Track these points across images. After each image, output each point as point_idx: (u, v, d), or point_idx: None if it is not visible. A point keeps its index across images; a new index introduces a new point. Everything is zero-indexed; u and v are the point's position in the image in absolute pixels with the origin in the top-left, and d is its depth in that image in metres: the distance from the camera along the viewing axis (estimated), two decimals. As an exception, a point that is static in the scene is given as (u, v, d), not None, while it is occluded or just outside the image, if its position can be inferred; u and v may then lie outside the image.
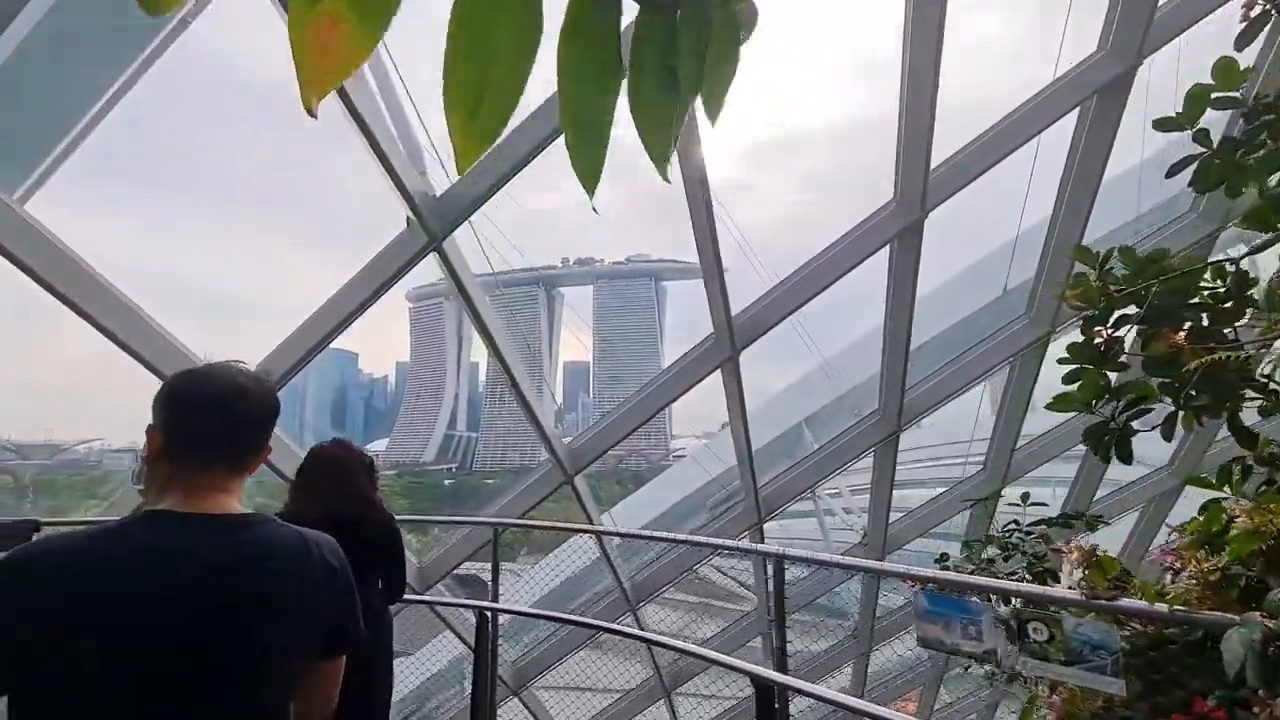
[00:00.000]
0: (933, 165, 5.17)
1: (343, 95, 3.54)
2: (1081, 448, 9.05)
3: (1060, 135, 5.76)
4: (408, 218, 4.20)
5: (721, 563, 12.88)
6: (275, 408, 1.25)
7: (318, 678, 1.28)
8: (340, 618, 1.27)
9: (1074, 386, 2.65)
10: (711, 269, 5.22)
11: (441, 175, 4.38)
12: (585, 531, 6.37)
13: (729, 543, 5.41)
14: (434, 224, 4.12)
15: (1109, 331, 2.63)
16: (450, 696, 9.30)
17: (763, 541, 8.04)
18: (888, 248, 5.81)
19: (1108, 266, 2.72)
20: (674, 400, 5.91)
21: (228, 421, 1.17)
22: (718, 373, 5.98)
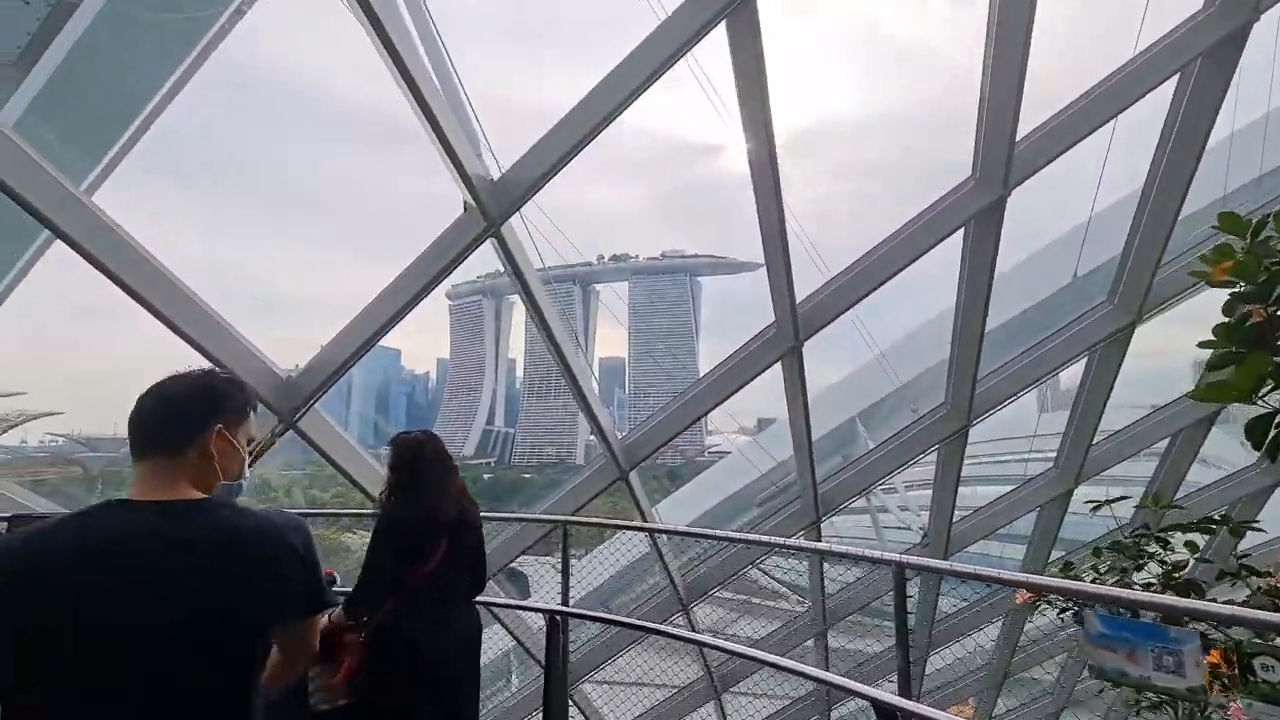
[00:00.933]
0: (1018, 139, 4.79)
1: (402, 71, 3.40)
2: (1161, 444, 8.48)
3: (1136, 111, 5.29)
4: (465, 202, 4.05)
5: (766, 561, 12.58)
6: (207, 395, 1.35)
7: (289, 638, 1.39)
8: (295, 596, 1.32)
9: (1223, 373, 2.32)
10: (776, 256, 4.95)
11: (492, 163, 4.24)
12: (652, 530, 6.18)
13: (838, 548, 4.20)
14: (492, 209, 3.96)
15: (1267, 309, 2.29)
16: (497, 690, 9.25)
17: (820, 540, 7.74)
18: (961, 230, 5.46)
19: (1262, 236, 2.38)
20: (733, 393, 5.67)
21: (152, 411, 1.30)
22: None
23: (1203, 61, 4.88)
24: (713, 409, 5.71)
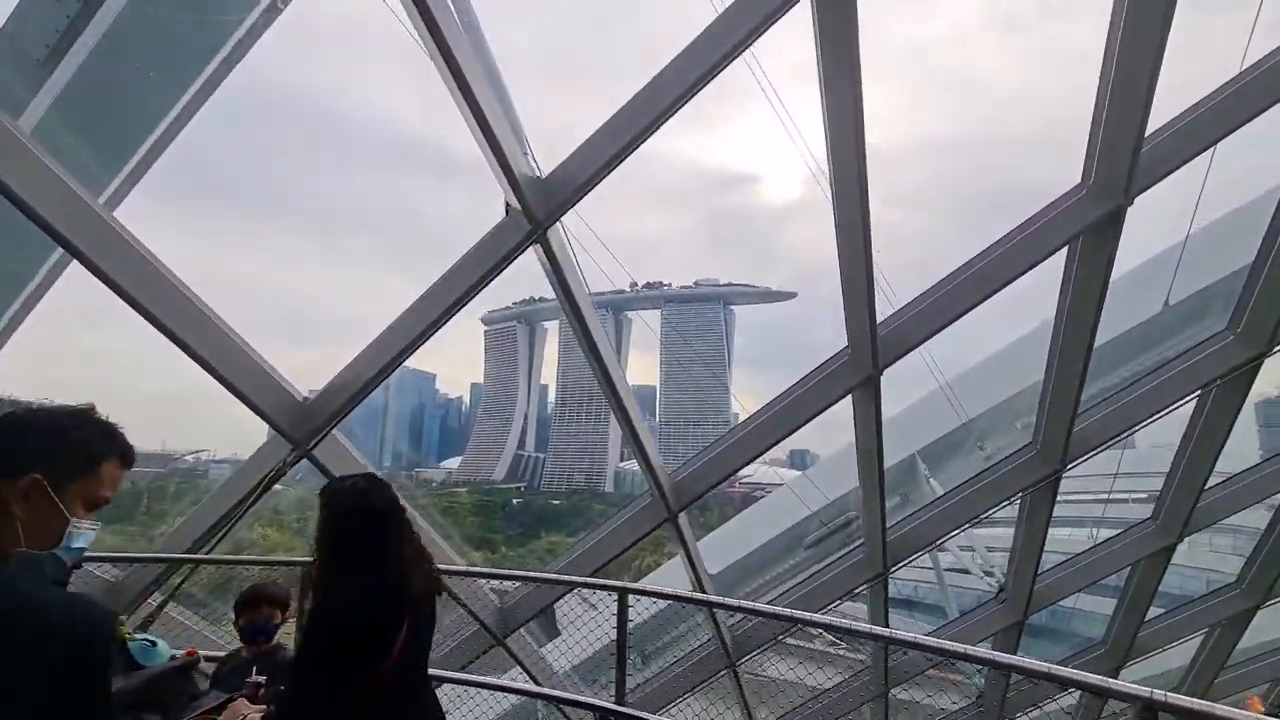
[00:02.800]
0: (1145, 139, 4.11)
1: (449, 61, 2.95)
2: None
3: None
4: (507, 203, 3.56)
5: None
6: (18, 436, 1.16)
7: None
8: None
9: None
10: (857, 274, 4.32)
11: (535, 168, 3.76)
12: (713, 605, 5.39)
13: (926, 641, 2.89)
14: (538, 210, 3.45)
15: None
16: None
17: (886, 594, 6.92)
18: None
19: None
20: (800, 427, 5.00)
21: None
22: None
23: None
24: (776, 444, 5.04)
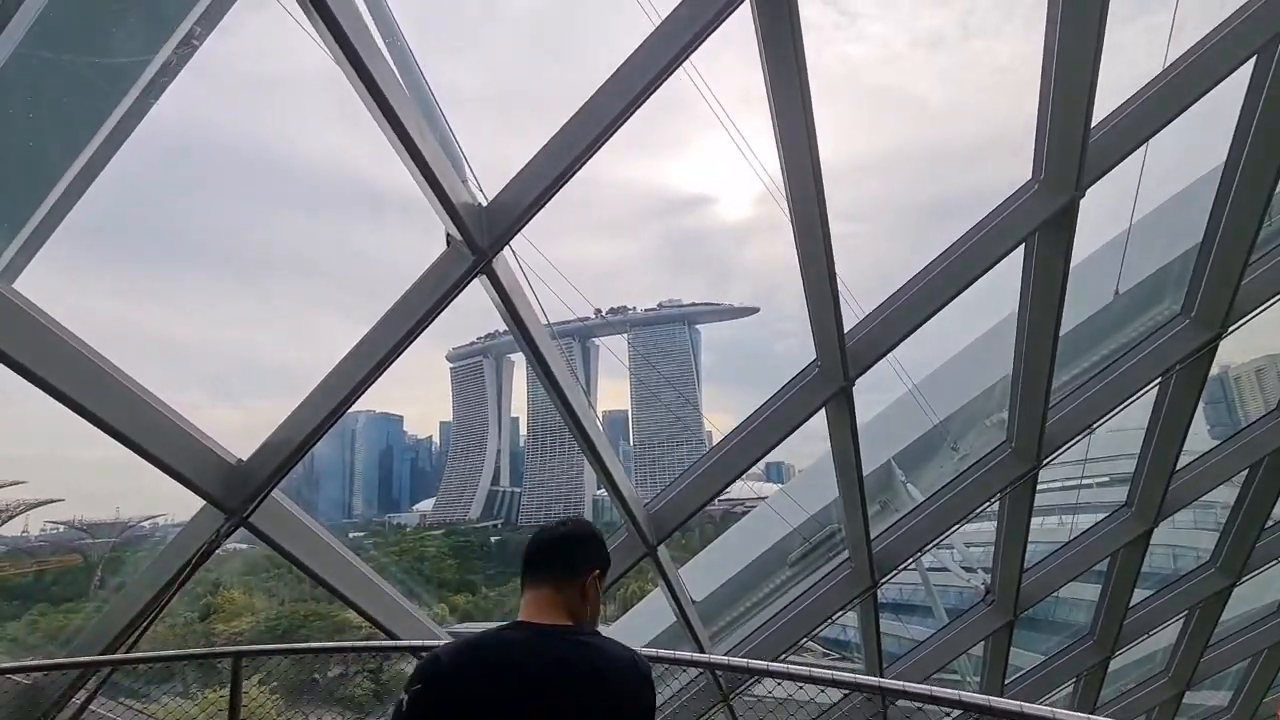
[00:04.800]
0: (1092, 129, 4.12)
1: (375, 93, 2.74)
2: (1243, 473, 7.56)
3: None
4: (448, 235, 3.33)
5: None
6: (595, 542, 1.68)
7: None
8: None
9: None
10: (821, 286, 4.20)
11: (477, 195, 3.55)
12: (715, 666, 4.92)
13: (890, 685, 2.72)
14: (481, 239, 3.23)
15: None
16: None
17: (876, 607, 6.73)
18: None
19: None
20: (773, 447, 4.83)
21: (549, 547, 1.64)
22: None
23: (1286, 35, 4.28)
24: (752, 466, 4.86)
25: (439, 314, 3.28)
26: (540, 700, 1.38)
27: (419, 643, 3.93)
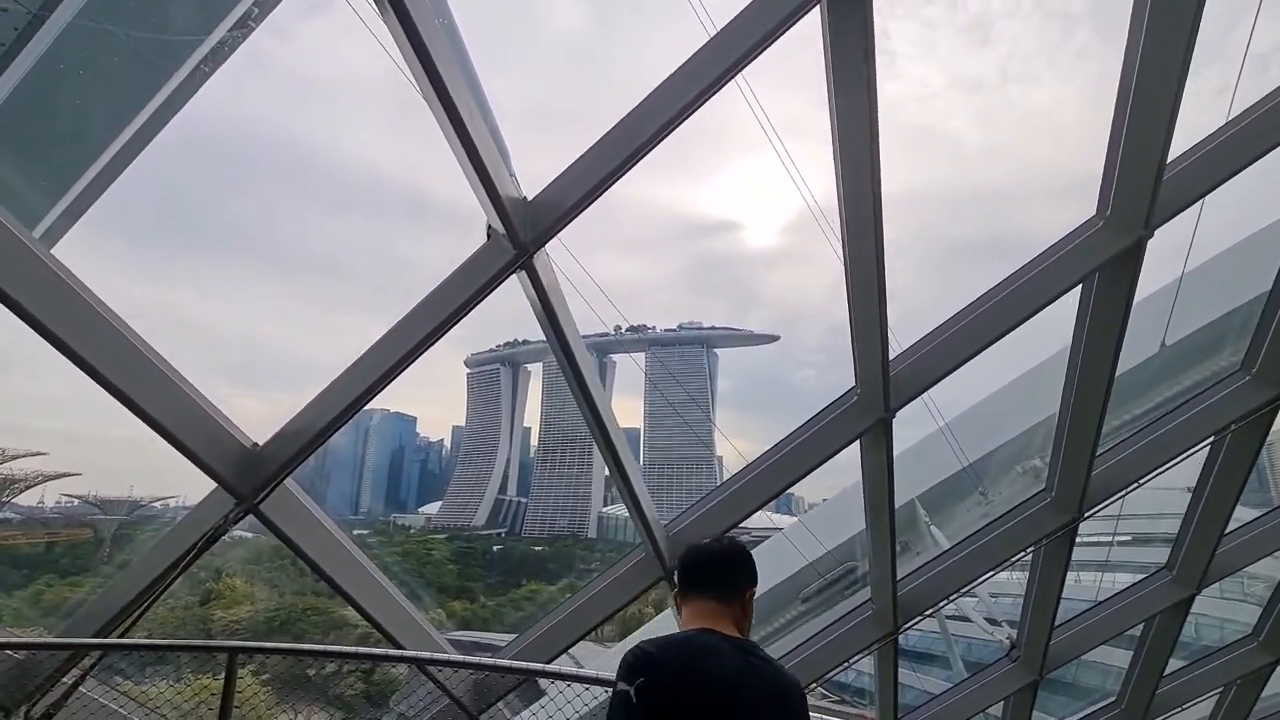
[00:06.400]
0: (1166, 168, 3.91)
1: (426, 63, 2.65)
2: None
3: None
4: (489, 227, 3.21)
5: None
6: (749, 560, 1.81)
7: None
8: None
9: None
10: (869, 307, 4.02)
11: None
12: None
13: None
14: (524, 234, 3.11)
15: None
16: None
17: (896, 654, 6.41)
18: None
19: None
20: (805, 474, 4.61)
21: (718, 561, 1.80)
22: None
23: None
24: (782, 492, 4.64)
25: (473, 307, 3.15)
26: (763, 711, 1.51)
27: (423, 655, 3.76)
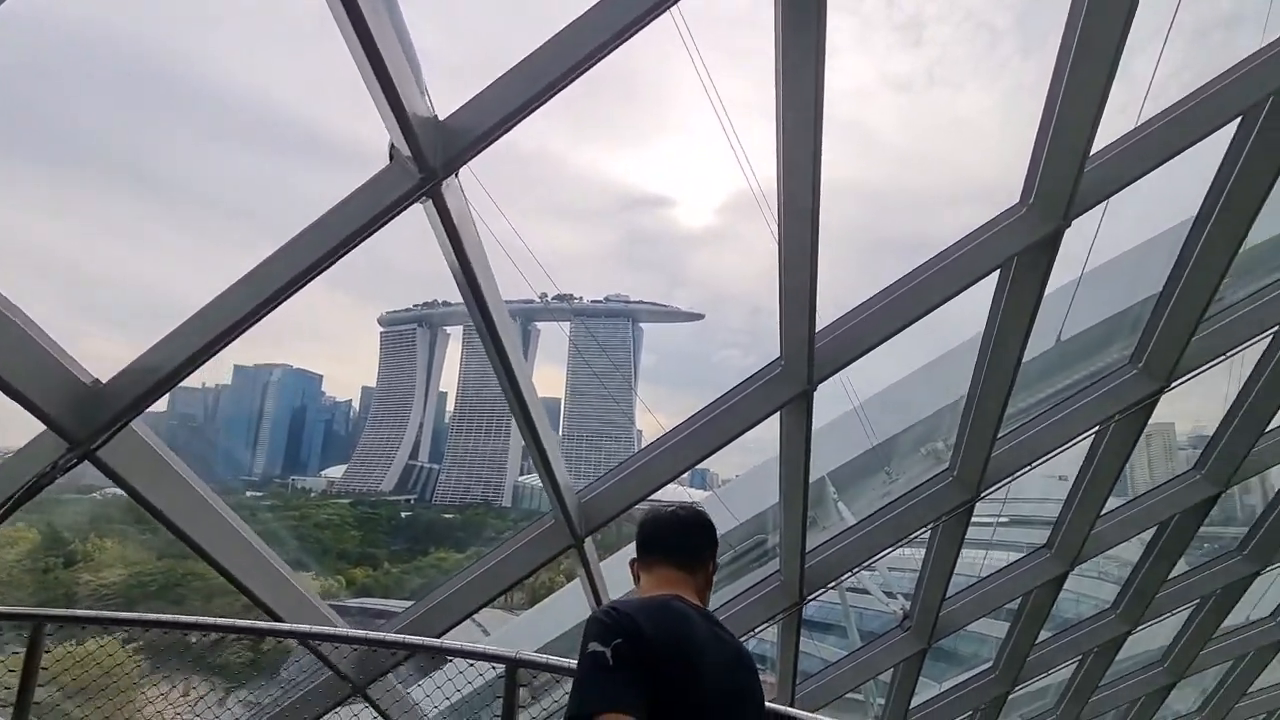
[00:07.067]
0: (1089, 158, 3.98)
1: None
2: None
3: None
4: (392, 149, 2.80)
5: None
6: (711, 529, 1.77)
7: None
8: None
9: None
10: (800, 281, 3.89)
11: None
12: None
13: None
14: (432, 157, 2.72)
15: None
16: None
17: (799, 624, 6.56)
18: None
19: None
20: (725, 444, 4.50)
21: (681, 528, 1.73)
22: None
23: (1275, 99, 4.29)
24: (700, 461, 4.52)
25: (366, 237, 2.74)
26: (730, 682, 1.47)
27: (303, 629, 3.37)
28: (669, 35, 3.68)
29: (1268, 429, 6.36)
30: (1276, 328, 5.73)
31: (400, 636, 3.40)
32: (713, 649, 1.48)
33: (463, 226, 2.93)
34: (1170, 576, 7.77)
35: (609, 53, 2.90)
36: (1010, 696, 8.33)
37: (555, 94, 2.77)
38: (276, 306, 2.77)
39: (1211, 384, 6.36)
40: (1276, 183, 4.50)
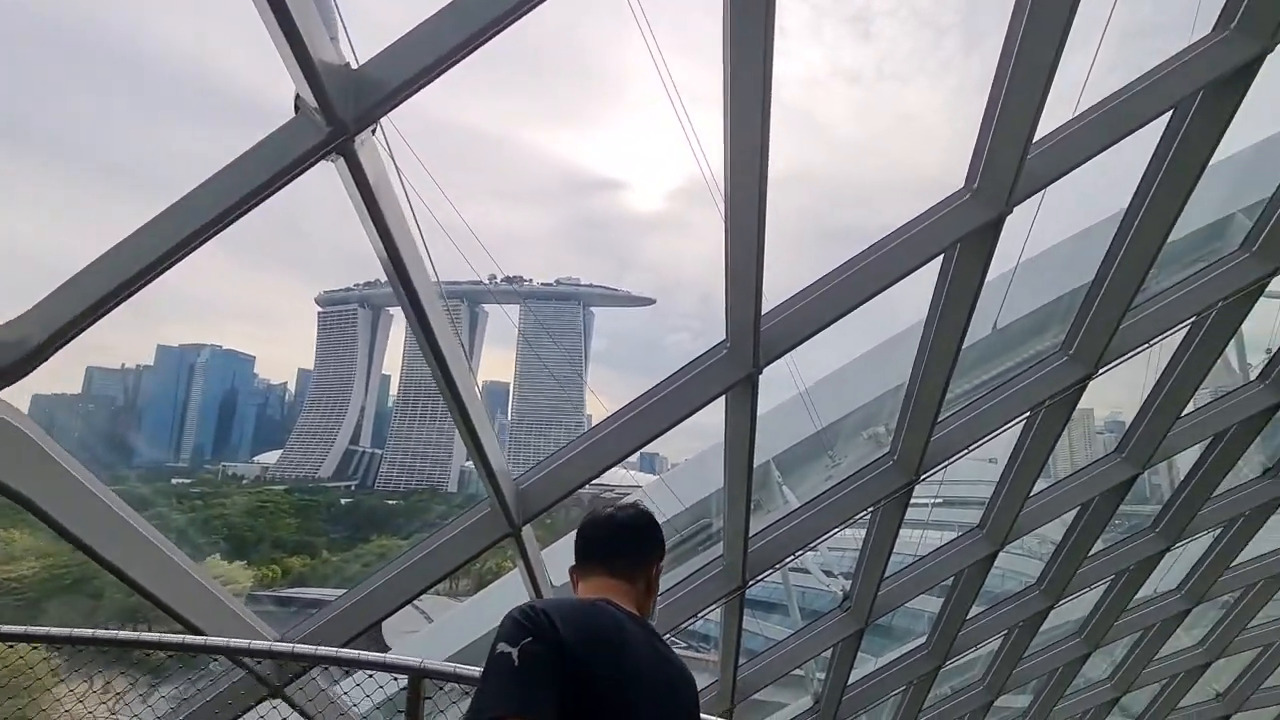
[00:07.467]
0: (1032, 145, 3.99)
1: None
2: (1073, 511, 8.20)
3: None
4: (297, 99, 2.50)
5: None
6: (658, 531, 1.66)
7: None
8: None
9: None
10: (747, 262, 3.77)
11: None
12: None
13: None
14: (343, 108, 2.44)
15: None
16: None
17: (742, 607, 6.56)
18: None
19: None
20: (670, 427, 4.38)
21: (618, 533, 1.60)
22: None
23: (1206, 91, 4.41)
24: (643, 446, 4.38)
25: (266, 197, 2.44)
26: (670, 702, 1.36)
27: (226, 643, 3.08)
28: (621, 16, 3.53)
29: (1183, 414, 6.69)
30: (1194, 318, 6.00)
31: (291, 647, 3.13)
32: (649, 663, 1.35)
33: (381, 190, 2.66)
34: (1090, 554, 8.15)
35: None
36: (941, 670, 8.64)
37: (485, 41, 2.52)
38: (162, 272, 2.44)
39: (1128, 372, 6.67)
40: (1201, 178, 4.64)
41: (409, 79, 2.44)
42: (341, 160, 2.49)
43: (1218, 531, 8.83)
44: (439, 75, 2.46)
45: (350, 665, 2.75)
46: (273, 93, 2.87)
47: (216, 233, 2.43)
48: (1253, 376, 7.34)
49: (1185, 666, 10.79)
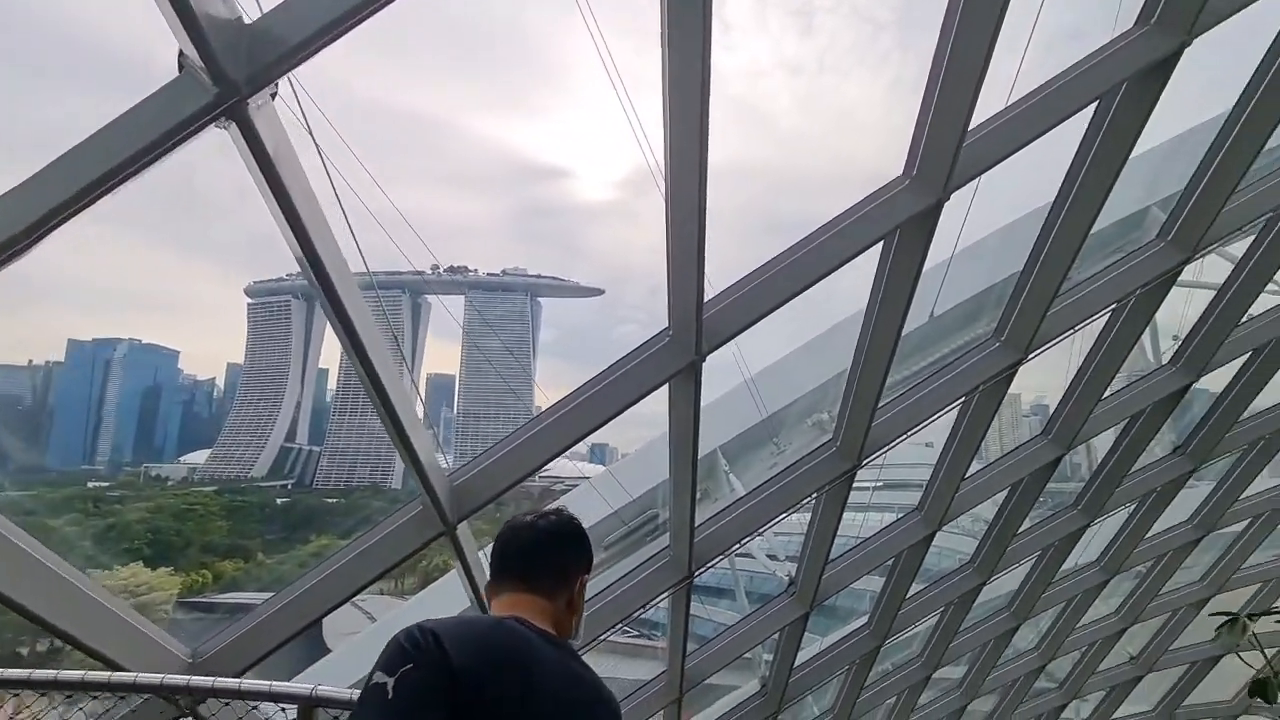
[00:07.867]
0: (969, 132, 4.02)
1: None
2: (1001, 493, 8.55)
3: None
4: (181, 56, 2.21)
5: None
6: (583, 542, 1.55)
7: None
8: None
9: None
10: (688, 246, 3.66)
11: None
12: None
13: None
14: (233, 68, 2.17)
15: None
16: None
17: (689, 599, 6.53)
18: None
19: None
20: (612, 418, 4.24)
21: (532, 547, 1.47)
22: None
23: (1129, 84, 4.55)
24: (585, 437, 4.23)
25: (144, 167, 2.15)
26: (578, 718, 1.26)
27: (107, 678, 2.76)
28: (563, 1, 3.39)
29: (1104, 396, 7.01)
30: (1115, 304, 6.27)
31: (187, 680, 2.84)
32: (562, 684, 1.23)
33: (283, 162, 2.39)
34: (1019, 531, 8.51)
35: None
36: (882, 649, 8.89)
37: (381, 5, 2.29)
38: (20, 255, 2.12)
39: (1052, 358, 6.96)
40: (1123, 169, 4.81)
41: (310, 35, 2.19)
42: (235, 126, 2.22)
43: (1133, 507, 9.36)
44: (345, 33, 2.22)
45: (232, 697, 2.50)
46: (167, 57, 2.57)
47: (86, 206, 2.12)
48: (1164, 360, 7.79)
49: (1104, 634, 11.47)
